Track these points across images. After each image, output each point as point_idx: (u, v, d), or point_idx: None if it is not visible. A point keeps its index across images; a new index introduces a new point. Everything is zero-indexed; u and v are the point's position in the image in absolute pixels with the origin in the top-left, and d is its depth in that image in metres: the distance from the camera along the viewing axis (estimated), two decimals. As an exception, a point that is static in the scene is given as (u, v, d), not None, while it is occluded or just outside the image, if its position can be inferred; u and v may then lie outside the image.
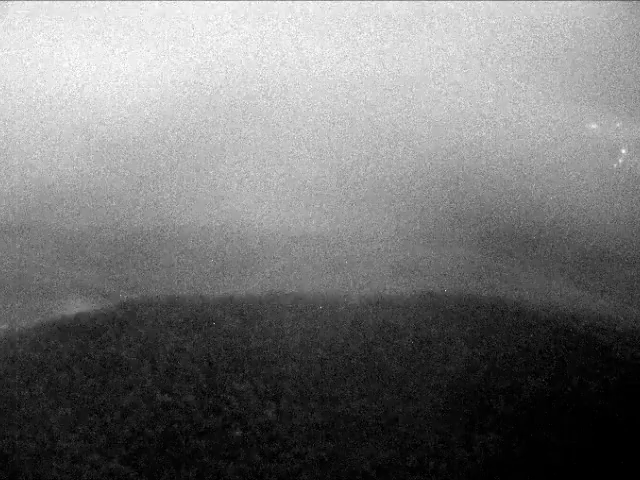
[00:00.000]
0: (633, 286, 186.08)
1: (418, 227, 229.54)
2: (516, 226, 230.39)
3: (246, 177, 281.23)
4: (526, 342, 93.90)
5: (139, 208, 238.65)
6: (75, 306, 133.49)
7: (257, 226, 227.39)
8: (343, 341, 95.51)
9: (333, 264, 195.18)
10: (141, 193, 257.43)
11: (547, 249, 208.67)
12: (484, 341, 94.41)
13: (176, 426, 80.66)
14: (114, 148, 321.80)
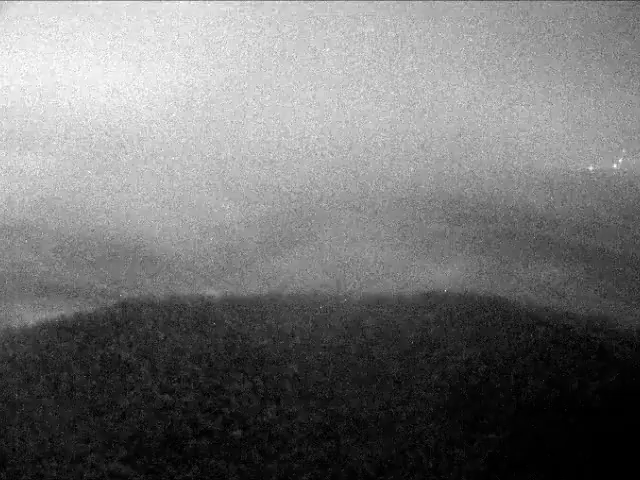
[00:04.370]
0: (633, 286, 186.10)
1: (418, 229, 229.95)
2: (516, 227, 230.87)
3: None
4: (526, 342, 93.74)
5: (139, 208, 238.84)
6: (75, 306, 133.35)
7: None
8: (343, 341, 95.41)
9: (333, 265, 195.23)
10: (141, 194, 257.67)
11: (547, 249, 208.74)
12: (484, 341, 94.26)
13: (176, 426, 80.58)
14: (114, 150, 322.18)
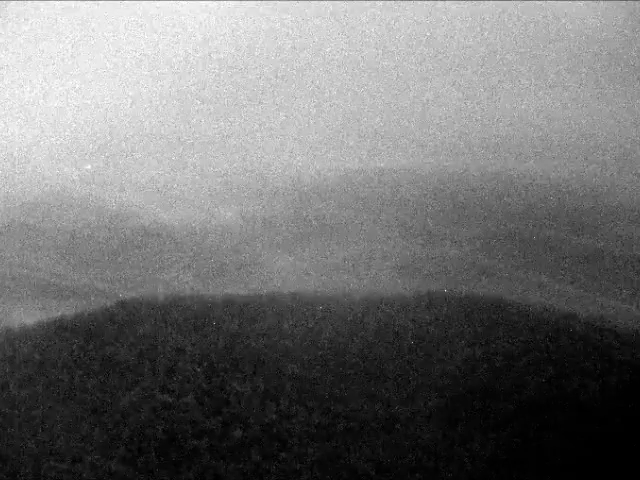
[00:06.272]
0: (633, 286, 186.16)
1: (419, 227, 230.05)
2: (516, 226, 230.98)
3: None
4: (526, 342, 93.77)
5: (139, 209, 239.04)
6: (75, 306, 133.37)
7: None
8: (343, 341, 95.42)
9: (337, 263, 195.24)
10: (140, 193, 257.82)
11: (548, 249, 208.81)
12: (484, 341, 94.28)
13: (176, 426, 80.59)
14: (111, 148, 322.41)
